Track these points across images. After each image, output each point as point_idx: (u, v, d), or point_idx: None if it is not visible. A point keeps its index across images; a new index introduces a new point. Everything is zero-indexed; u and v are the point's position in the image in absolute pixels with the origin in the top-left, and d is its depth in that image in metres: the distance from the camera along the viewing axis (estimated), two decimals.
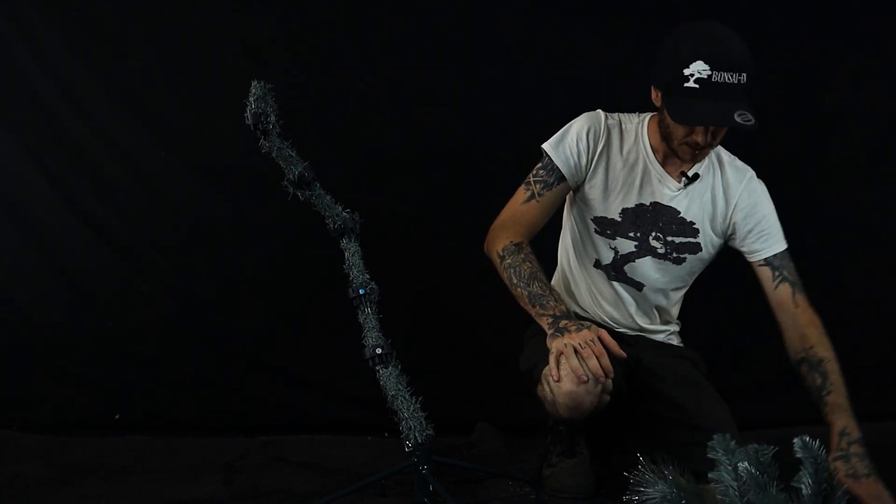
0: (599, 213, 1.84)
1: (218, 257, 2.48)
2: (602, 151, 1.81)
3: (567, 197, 1.90)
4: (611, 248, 1.86)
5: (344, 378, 2.38)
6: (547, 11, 1.94)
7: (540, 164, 1.82)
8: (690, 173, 1.79)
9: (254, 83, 1.84)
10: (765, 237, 1.83)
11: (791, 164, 2.34)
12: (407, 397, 1.70)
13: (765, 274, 1.82)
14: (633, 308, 1.92)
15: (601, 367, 1.53)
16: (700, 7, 2.30)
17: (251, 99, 1.82)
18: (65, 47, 2.44)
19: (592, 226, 1.87)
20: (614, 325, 1.93)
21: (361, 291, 1.80)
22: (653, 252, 1.83)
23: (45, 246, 2.50)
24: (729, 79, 1.57)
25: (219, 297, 2.49)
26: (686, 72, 1.60)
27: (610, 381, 1.62)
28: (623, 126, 1.84)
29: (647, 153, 1.82)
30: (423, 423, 1.68)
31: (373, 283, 1.83)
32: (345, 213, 1.88)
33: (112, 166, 2.47)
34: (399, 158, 2.44)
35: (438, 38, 2.39)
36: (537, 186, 1.79)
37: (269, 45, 2.43)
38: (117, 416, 2.47)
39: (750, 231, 1.82)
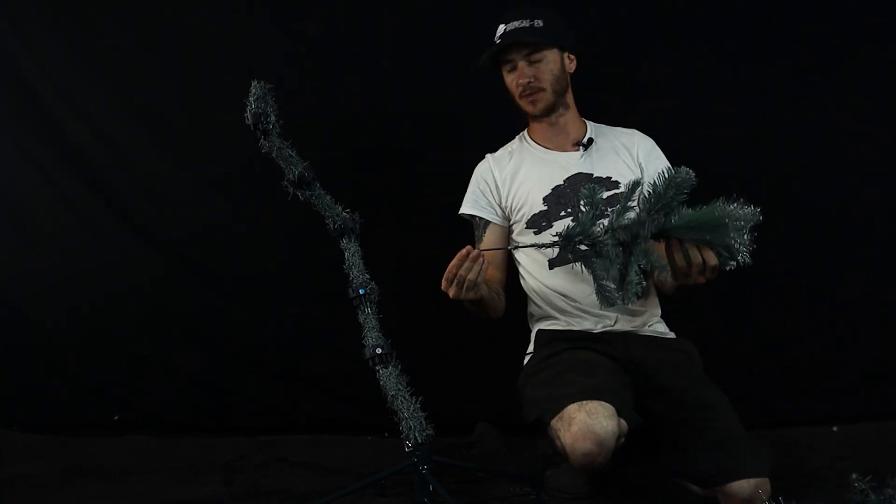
0: (529, 216, 1.93)
1: (218, 257, 2.48)
2: (500, 178, 1.98)
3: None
4: (553, 236, 1.88)
5: (344, 378, 2.37)
6: None
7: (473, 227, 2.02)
8: (585, 140, 1.95)
9: (254, 83, 1.84)
10: None
11: (791, 163, 2.34)
12: (407, 397, 1.70)
13: None
14: None
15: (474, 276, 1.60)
16: (700, 7, 2.32)
17: (251, 99, 1.82)
18: (64, 48, 2.44)
19: (530, 232, 1.93)
20: (601, 317, 1.90)
21: (361, 291, 1.80)
22: None
23: (45, 246, 2.50)
24: (520, 24, 1.87)
25: (219, 298, 2.49)
26: (495, 38, 1.92)
27: (625, 424, 1.61)
28: (507, 148, 2.04)
29: (534, 148, 1.99)
30: (423, 423, 1.67)
31: (373, 283, 1.83)
32: (345, 213, 1.88)
33: (111, 166, 2.47)
34: (399, 158, 2.43)
35: (439, 38, 2.39)
36: (477, 242, 1.99)
37: (268, 46, 2.43)
38: (117, 417, 2.47)
39: (653, 174, 1.88)
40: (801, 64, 2.32)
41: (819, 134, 2.34)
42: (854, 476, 1.47)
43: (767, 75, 2.33)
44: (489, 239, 1.97)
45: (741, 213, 1.44)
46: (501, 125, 2.10)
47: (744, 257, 1.45)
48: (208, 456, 2.23)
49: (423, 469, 1.65)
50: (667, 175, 1.47)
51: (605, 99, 2.20)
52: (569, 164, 1.93)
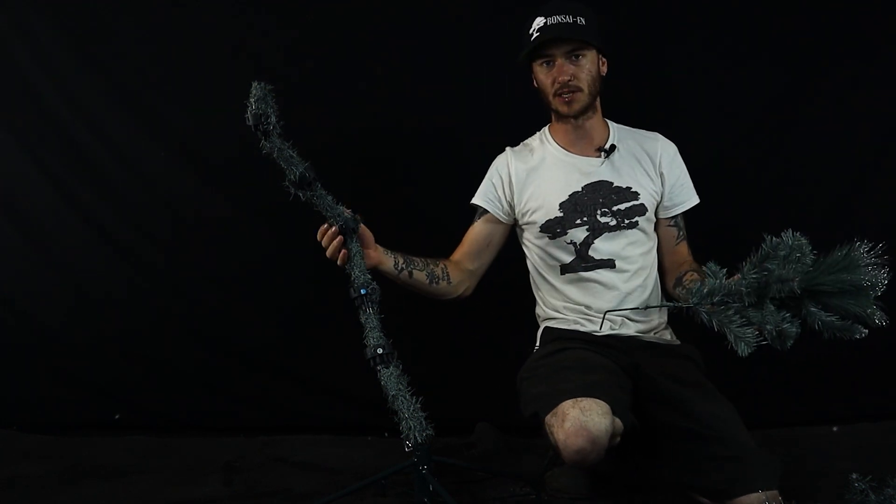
0: (544, 220, 1.91)
1: (218, 257, 2.48)
2: (515, 175, 1.95)
3: (519, 235, 2.03)
4: (567, 243, 1.90)
5: (344, 378, 2.38)
6: None
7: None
8: (607, 146, 1.90)
9: (254, 84, 1.84)
10: (686, 189, 1.96)
11: (790, 164, 2.34)
12: (407, 397, 1.69)
13: (670, 233, 1.97)
14: (617, 292, 1.89)
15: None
16: (701, 8, 2.32)
17: (252, 100, 1.82)
18: (64, 47, 2.44)
19: (545, 237, 1.92)
20: (606, 321, 1.89)
21: (363, 291, 1.80)
22: (606, 228, 1.88)
23: (45, 246, 2.50)
24: (563, 20, 1.79)
25: (219, 297, 2.49)
26: (530, 31, 1.84)
27: (619, 423, 1.60)
28: (528, 145, 2.00)
29: (555, 149, 1.95)
30: (423, 423, 1.67)
31: (374, 282, 1.83)
32: (346, 213, 1.88)
33: (112, 166, 2.47)
34: (399, 158, 2.44)
35: (440, 38, 2.39)
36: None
37: (269, 46, 2.43)
38: (117, 416, 2.48)
39: (674, 183, 1.94)
40: (802, 65, 2.33)
41: (819, 133, 2.34)
42: (854, 476, 1.48)
43: (777, 74, 2.34)
44: (478, 227, 1.98)
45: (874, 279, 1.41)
46: (502, 126, 2.10)
47: (881, 319, 1.43)
48: (208, 456, 2.23)
49: (423, 469, 1.65)
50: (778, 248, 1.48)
51: (622, 98, 2.18)
52: (589, 170, 1.91)
